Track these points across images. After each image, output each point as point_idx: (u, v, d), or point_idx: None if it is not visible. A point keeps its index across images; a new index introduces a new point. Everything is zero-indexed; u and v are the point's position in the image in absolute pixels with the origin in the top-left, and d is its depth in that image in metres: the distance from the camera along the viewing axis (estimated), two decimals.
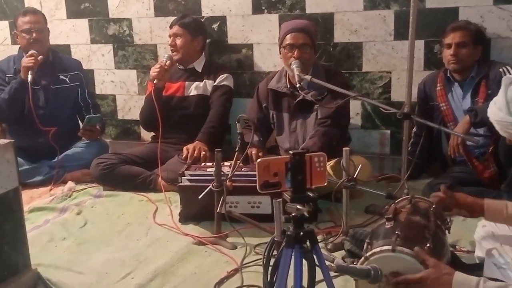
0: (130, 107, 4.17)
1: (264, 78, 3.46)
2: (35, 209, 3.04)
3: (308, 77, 2.82)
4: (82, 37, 4.15)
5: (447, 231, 2.05)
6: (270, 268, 1.58)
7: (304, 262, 1.48)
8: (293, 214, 1.47)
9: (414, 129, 3.25)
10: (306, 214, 1.47)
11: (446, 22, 3.14)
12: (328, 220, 2.73)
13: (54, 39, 3.98)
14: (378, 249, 1.72)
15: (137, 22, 3.98)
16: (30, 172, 3.46)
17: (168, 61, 3.43)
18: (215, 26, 3.78)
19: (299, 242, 1.47)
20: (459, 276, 1.60)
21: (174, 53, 3.52)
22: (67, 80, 3.70)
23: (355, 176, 2.38)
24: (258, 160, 1.46)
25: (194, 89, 3.54)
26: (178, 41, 3.49)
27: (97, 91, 4.17)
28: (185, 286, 2.18)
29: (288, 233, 1.49)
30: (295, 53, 2.98)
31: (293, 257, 1.47)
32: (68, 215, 2.99)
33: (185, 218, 2.80)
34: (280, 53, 3.13)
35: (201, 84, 3.54)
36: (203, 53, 3.63)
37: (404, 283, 1.64)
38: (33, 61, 3.40)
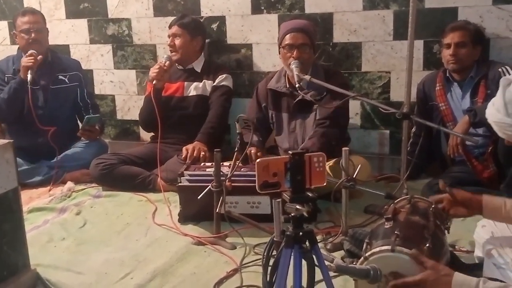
0: (129, 107, 4.17)
1: (263, 78, 3.47)
2: (34, 209, 3.04)
3: (307, 77, 2.82)
4: (81, 37, 4.15)
5: (446, 231, 2.05)
6: (269, 268, 1.57)
7: (304, 262, 1.48)
8: (292, 214, 1.47)
9: (413, 129, 3.25)
10: (305, 214, 1.47)
11: (445, 22, 3.14)
12: (327, 220, 2.73)
13: (53, 39, 3.98)
14: (378, 249, 1.72)
15: (136, 22, 3.98)
16: (29, 172, 3.46)
17: (167, 62, 3.43)
18: (214, 26, 3.78)
19: (298, 242, 1.47)
20: (458, 276, 1.60)
21: (173, 53, 3.51)
22: (66, 80, 3.70)
23: (354, 176, 2.38)
24: (258, 160, 1.46)
25: (193, 89, 3.54)
26: (177, 41, 3.49)
27: (96, 91, 4.17)
28: (185, 286, 2.18)
29: (288, 233, 1.48)
30: (294, 53, 2.98)
31: (292, 257, 1.47)
32: (67, 215, 2.98)
33: (184, 218, 2.80)
34: (279, 53, 3.13)
35: (200, 84, 3.54)
36: (202, 53, 3.63)
37: (403, 286, 1.64)
38: (32, 60, 3.40)
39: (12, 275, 2.08)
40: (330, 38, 3.52)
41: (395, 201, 2.10)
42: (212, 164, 2.72)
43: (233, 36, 3.75)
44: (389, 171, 3.46)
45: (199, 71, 3.57)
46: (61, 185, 3.44)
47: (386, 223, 1.89)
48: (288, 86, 3.15)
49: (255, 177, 1.45)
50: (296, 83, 2.78)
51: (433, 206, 2.03)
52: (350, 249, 2.24)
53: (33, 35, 3.54)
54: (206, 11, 3.78)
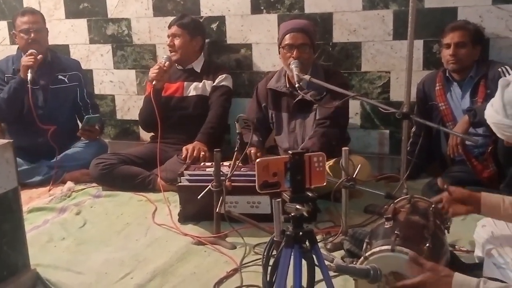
0: (129, 107, 4.17)
1: (263, 78, 3.47)
2: (34, 209, 3.04)
3: (307, 77, 2.82)
4: (81, 37, 4.14)
5: (446, 231, 2.05)
6: (269, 268, 1.58)
7: (304, 262, 1.48)
8: (292, 214, 1.48)
9: (413, 129, 3.25)
10: (305, 214, 1.47)
11: (445, 22, 3.14)
12: (327, 220, 2.73)
13: (53, 39, 3.98)
14: (378, 249, 1.72)
15: (136, 22, 3.98)
16: (29, 172, 3.46)
17: (167, 62, 3.43)
18: (214, 26, 3.78)
19: (298, 242, 1.47)
20: (458, 277, 1.59)
21: (173, 53, 3.51)
22: (66, 80, 3.70)
23: (354, 176, 2.38)
24: (257, 160, 1.46)
25: (193, 89, 3.54)
26: (177, 41, 3.49)
27: (96, 91, 4.17)
28: (185, 286, 2.18)
29: (288, 233, 1.49)
30: (294, 53, 2.98)
31: (292, 257, 1.48)
32: (67, 215, 2.98)
33: (184, 218, 2.80)
34: (279, 53, 3.13)
35: (200, 84, 3.54)
36: (202, 53, 3.62)
37: None
38: (32, 60, 3.40)
39: (12, 275, 2.08)
40: (330, 38, 3.52)
41: (395, 201, 2.10)
42: (212, 164, 2.72)
43: (232, 36, 3.75)
44: (389, 171, 3.47)
45: (198, 71, 3.57)
46: (61, 185, 3.44)
47: (386, 223, 1.89)
48: (288, 86, 3.15)
49: (255, 177, 1.45)
50: (296, 83, 2.78)
51: (433, 206, 2.03)
52: (350, 249, 2.24)
53: (32, 35, 3.54)
54: (205, 11, 3.78)
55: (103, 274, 2.30)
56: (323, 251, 1.99)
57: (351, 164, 2.39)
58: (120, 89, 4.16)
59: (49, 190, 3.38)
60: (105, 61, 4.14)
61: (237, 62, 3.78)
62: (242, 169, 2.72)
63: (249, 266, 2.30)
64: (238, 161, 2.48)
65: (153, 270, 2.29)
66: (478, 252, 2.10)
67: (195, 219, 2.77)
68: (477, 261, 2.08)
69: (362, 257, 1.75)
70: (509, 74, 2.87)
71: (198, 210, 2.73)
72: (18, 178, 2.09)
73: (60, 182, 3.47)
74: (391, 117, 3.26)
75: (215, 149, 2.57)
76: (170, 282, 2.21)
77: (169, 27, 3.54)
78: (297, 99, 3.08)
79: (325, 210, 2.78)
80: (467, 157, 2.87)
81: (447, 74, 3.11)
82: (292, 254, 1.47)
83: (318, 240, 1.74)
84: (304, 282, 1.49)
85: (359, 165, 2.44)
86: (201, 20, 3.73)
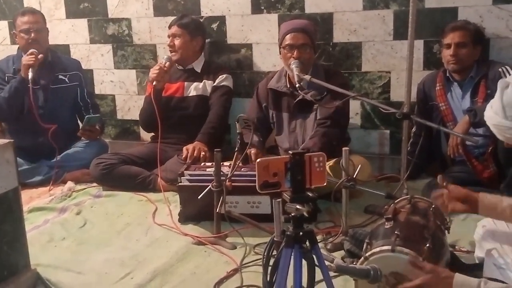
0: (130, 107, 4.17)
1: (264, 78, 3.46)
2: (34, 209, 3.04)
3: (307, 77, 2.82)
4: (81, 37, 4.14)
5: (446, 231, 2.05)
6: (269, 268, 1.58)
7: (304, 262, 1.48)
8: (292, 214, 1.48)
9: (414, 129, 3.24)
10: (305, 214, 1.47)
11: (445, 22, 3.14)
12: (327, 220, 2.73)
13: (53, 39, 3.98)
14: (378, 249, 1.72)
15: (136, 22, 3.98)
16: (29, 172, 3.46)
17: (167, 63, 3.43)
18: (214, 26, 3.78)
19: (298, 242, 1.47)
20: (459, 277, 1.59)
21: (173, 53, 3.51)
22: (66, 80, 3.70)
23: (354, 176, 2.38)
24: (258, 160, 1.46)
25: (193, 89, 3.54)
26: (177, 42, 3.49)
27: (97, 91, 4.17)
28: (185, 286, 2.18)
29: (288, 233, 1.49)
30: (295, 53, 2.98)
31: (292, 257, 1.48)
32: (67, 215, 2.99)
33: (184, 218, 2.80)
34: (280, 53, 3.13)
35: (201, 84, 3.54)
36: (202, 54, 3.62)
37: None
38: (33, 59, 3.40)
39: (12, 275, 2.08)
40: (330, 38, 3.52)
41: (395, 201, 2.11)
42: (212, 164, 2.73)
43: (233, 36, 3.75)
44: (389, 171, 3.46)
45: (199, 71, 3.57)
46: (61, 185, 3.44)
47: (386, 223, 1.90)
48: (288, 86, 3.15)
49: (255, 177, 1.45)
50: (297, 83, 2.78)
51: (433, 206, 2.03)
52: (350, 249, 2.24)
53: (32, 35, 3.54)
54: (206, 11, 3.78)
55: (104, 274, 2.30)
56: (323, 251, 1.99)
57: (351, 164, 2.39)
58: (121, 89, 4.16)
59: (50, 190, 3.38)
60: (105, 61, 4.14)
61: (238, 62, 3.78)
62: (242, 169, 2.72)
63: (249, 266, 2.30)
64: (238, 161, 2.48)
65: (153, 270, 2.29)
66: (478, 253, 2.10)
67: (195, 219, 2.77)
68: (477, 262, 2.08)
69: (362, 257, 1.75)
70: (510, 74, 2.87)
71: (198, 210, 2.73)
72: (19, 178, 2.10)
73: (61, 182, 3.48)
74: (391, 117, 3.26)
75: (215, 149, 2.57)
76: (170, 282, 2.21)
77: (169, 27, 3.54)
78: (298, 99, 3.08)
79: (325, 210, 2.79)
80: (468, 157, 2.87)
81: (448, 74, 3.11)
82: (292, 254, 1.47)
83: (318, 240, 1.74)
84: (304, 282, 1.49)
85: (360, 165, 2.44)
86: (201, 20, 3.73)
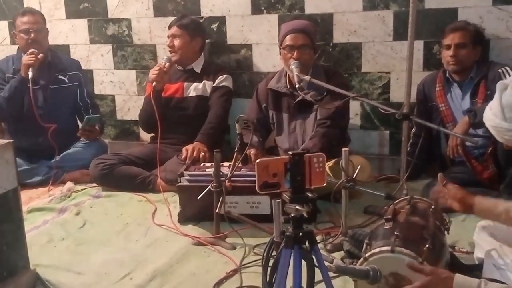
0: (129, 107, 4.17)
1: (263, 78, 3.47)
2: (34, 210, 3.04)
3: (307, 77, 2.82)
4: (81, 37, 4.14)
5: (446, 232, 2.05)
6: (269, 268, 1.58)
7: (303, 262, 1.48)
8: (292, 215, 1.48)
9: (413, 130, 3.24)
10: (305, 214, 1.47)
11: (445, 22, 3.14)
12: (327, 221, 2.73)
13: (53, 39, 3.98)
14: (377, 249, 1.72)
15: (136, 22, 3.98)
16: (29, 173, 3.46)
17: (167, 63, 3.42)
18: (214, 26, 3.78)
19: (298, 243, 1.47)
20: (459, 278, 1.59)
21: (173, 54, 3.51)
22: (66, 80, 3.70)
23: (354, 177, 2.38)
24: (257, 160, 1.46)
25: (193, 90, 3.54)
26: (177, 42, 3.49)
27: (96, 91, 4.17)
28: (184, 287, 2.18)
29: (287, 233, 1.49)
30: (295, 54, 2.98)
31: (292, 257, 1.48)
32: (67, 216, 2.98)
33: (184, 218, 2.79)
34: (280, 54, 3.13)
35: (200, 85, 3.53)
36: (202, 54, 3.62)
37: None
38: (33, 58, 3.40)
39: (12, 275, 2.08)
40: (330, 38, 3.52)
41: (395, 202, 2.11)
42: (212, 164, 2.73)
43: (233, 37, 3.75)
44: (389, 172, 3.46)
45: (199, 71, 3.57)
46: (60, 185, 3.44)
47: (385, 223, 1.90)
48: (288, 86, 3.16)
49: (255, 177, 1.45)
50: (297, 83, 2.78)
51: (432, 207, 2.03)
52: (350, 249, 2.24)
53: (32, 35, 3.54)
54: (206, 11, 3.78)
55: (103, 274, 2.30)
56: (322, 252, 1.99)
57: (351, 165, 2.39)
58: (120, 89, 4.16)
59: (49, 190, 3.38)
60: (105, 61, 4.13)
61: (237, 62, 3.78)
62: (242, 169, 2.72)
63: (249, 266, 2.30)
64: (238, 162, 2.48)
65: (153, 270, 2.29)
66: (477, 253, 2.10)
67: (195, 220, 2.77)
68: (476, 262, 2.08)
69: (362, 258, 1.75)
70: (510, 75, 2.87)
71: (198, 210, 2.73)
72: (18, 178, 2.10)
73: (60, 182, 3.47)
74: (391, 118, 3.27)
75: (215, 150, 2.57)
76: (169, 282, 2.21)
77: (169, 27, 3.54)
78: (298, 99, 3.08)
79: (325, 210, 2.78)
80: (467, 158, 2.87)
81: (447, 75, 3.11)
82: (292, 254, 1.47)
83: (318, 241, 1.74)
84: (304, 283, 1.49)
85: (359, 166, 2.44)
86: (201, 21, 3.73)
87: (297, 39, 3.01)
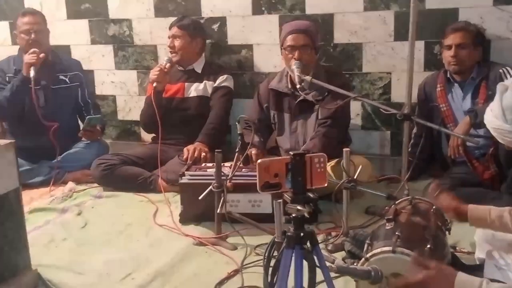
0: (130, 107, 4.17)
1: (264, 79, 3.47)
2: (35, 210, 3.04)
3: (308, 78, 2.82)
4: (82, 38, 4.14)
5: (447, 232, 2.05)
6: (270, 269, 1.58)
7: (305, 263, 1.48)
8: (293, 215, 1.48)
9: (414, 130, 3.25)
10: (306, 215, 1.47)
11: (446, 23, 3.14)
12: (328, 221, 2.73)
13: (54, 40, 3.97)
14: (379, 250, 1.72)
15: (137, 22, 3.98)
16: (30, 173, 3.46)
17: (168, 64, 3.43)
18: (215, 27, 3.78)
19: (299, 243, 1.47)
20: (461, 276, 1.59)
21: (173, 54, 3.52)
22: (67, 80, 3.70)
23: (355, 177, 2.38)
24: (259, 160, 1.46)
25: (194, 90, 3.54)
26: (177, 43, 3.49)
27: (97, 92, 4.17)
28: (186, 287, 2.19)
29: (289, 234, 1.49)
30: (296, 54, 2.98)
31: (293, 258, 1.48)
32: (68, 216, 2.99)
33: (185, 218, 2.80)
34: (281, 54, 3.13)
35: (201, 85, 3.54)
36: (203, 54, 3.63)
37: (405, 287, 1.64)
38: (35, 57, 3.40)
39: (13, 275, 2.08)
40: (331, 39, 3.52)
41: (396, 202, 2.10)
42: (213, 164, 2.73)
43: (234, 37, 3.75)
44: (390, 172, 3.46)
45: (199, 72, 3.57)
46: (62, 186, 3.44)
47: (387, 224, 1.90)
48: (289, 86, 3.16)
49: (256, 177, 1.45)
50: (298, 83, 2.78)
51: (434, 207, 2.03)
52: (351, 250, 2.24)
53: (33, 35, 3.53)
54: (207, 12, 3.78)
55: (104, 274, 2.30)
56: (324, 252, 1.99)
57: (352, 165, 2.39)
58: (122, 90, 4.16)
59: (50, 191, 3.38)
60: (106, 62, 4.14)
61: (238, 63, 3.78)
62: (243, 170, 2.72)
63: (250, 267, 2.30)
64: (239, 162, 2.48)
65: (154, 271, 2.29)
66: (479, 254, 2.10)
67: (196, 220, 2.77)
68: (478, 263, 2.08)
69: (363, 258, 1.75)
70: (510, 75, 2.87)
71: (199, 210, 2.73)
72: (20, 179, 2.10)
73: (62, 182, 3.48)
74: (392, 118, 3.27)
75: (216, 150, 2.57)
76: (171, 282, 2.21)
77: (170, 28, 3.55)
78: (299, 99, 3.09)
79: (326, 211, 2.78)
80: (468, 158, 2.87)
81: (448, 75, 3.11)
82: (293, 255, 1.47)
83: (319, 241, 1.74)
84: (305, 283, 1.49)
85: (360, 166, 2.44)
86: (202, 21, 3.73)
87: (299, 40, 3.01)
